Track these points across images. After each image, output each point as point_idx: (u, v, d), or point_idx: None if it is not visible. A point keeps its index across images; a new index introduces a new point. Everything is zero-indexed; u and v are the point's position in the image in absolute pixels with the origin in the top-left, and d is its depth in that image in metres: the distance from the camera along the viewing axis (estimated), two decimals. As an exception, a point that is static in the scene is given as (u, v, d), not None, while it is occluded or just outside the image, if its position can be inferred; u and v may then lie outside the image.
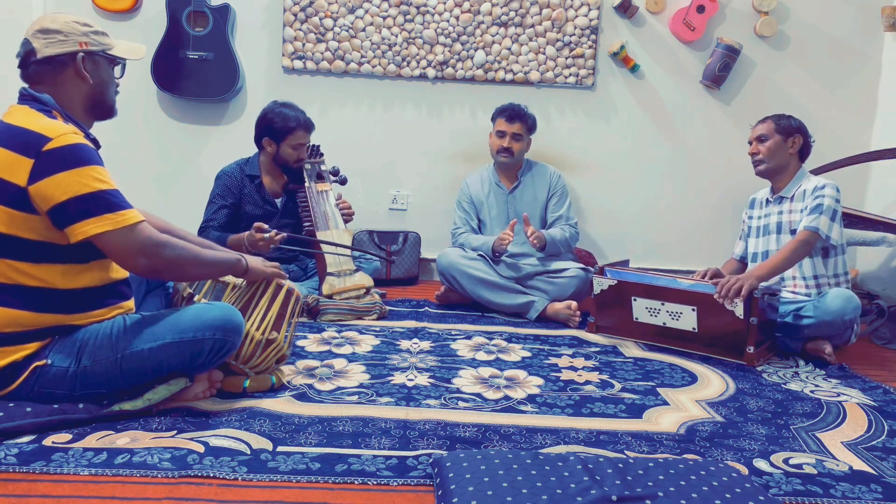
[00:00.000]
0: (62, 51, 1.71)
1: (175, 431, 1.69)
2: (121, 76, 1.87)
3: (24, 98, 1.72)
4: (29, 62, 1.72)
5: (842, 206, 2.70)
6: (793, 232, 2.70)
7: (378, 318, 2.89)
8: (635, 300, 2.68)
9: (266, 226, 2.69)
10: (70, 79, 1.74)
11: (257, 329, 1.95)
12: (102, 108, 1.83)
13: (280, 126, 2.94)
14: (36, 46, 1.70)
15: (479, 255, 3.15)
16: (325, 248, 2.91)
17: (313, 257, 3.08)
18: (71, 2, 3.58)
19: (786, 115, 2.82)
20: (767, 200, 2.87)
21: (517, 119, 3.21)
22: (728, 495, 1.43)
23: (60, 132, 1.62)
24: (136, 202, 1.76)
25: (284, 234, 2.71)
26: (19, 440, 1.59)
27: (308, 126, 3.00)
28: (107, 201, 1.64)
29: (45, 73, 1.73)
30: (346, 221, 3.06)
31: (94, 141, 1.77)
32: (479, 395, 2.07)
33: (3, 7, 3.54)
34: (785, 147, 2.75)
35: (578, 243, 3.51)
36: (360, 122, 3.76)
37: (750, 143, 2.83)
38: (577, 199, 3.79)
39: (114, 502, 1.38)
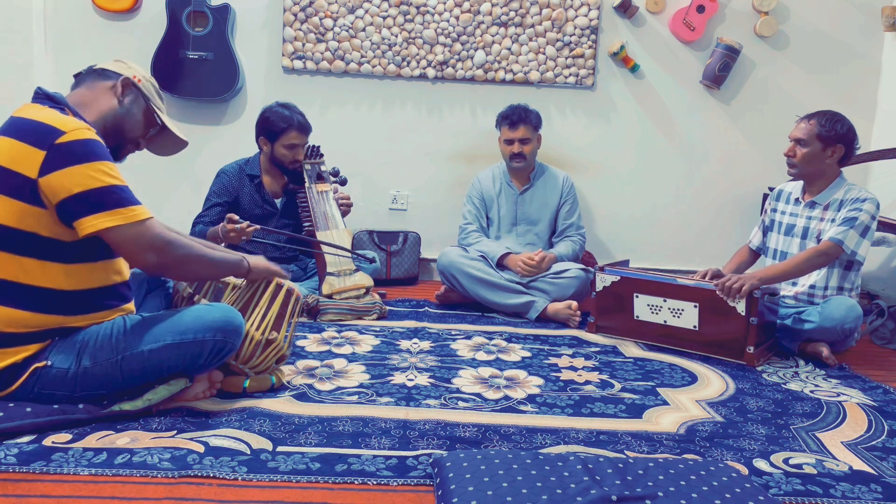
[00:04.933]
0: (116, 70, 1.85)
1: (175, 431, 1.69)
2: (145, 135, 1.92)
3: (38, 97, 1.76)
4: (87, 70, 1.85)
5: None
6: (819, 240, 2.60)
7: (378, 318, 2.89)
8: (637, 297, 2.68)
9: (237, 216, 2.65)
10: (105, 91, 1.83)
11: (257, 329, 1.95)
12: (114, 136, 1.83)
13: (274, 125, 2.93)
14: (104, 61, 1.88)
15: (480, 255, 3.15)
16: (323, 247, 2.91)
17: (313, 257, 3.08)
18: (71, 2, 3.58)
19: (835, 116, 2.59)
20: (797, 200, 2.74)
21: (520, 123, 3.20)
22: (728, 495, 1.43)
23: (74, 126, 1.64)
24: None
25: (257, 227, 2.67)
26: (19, 440, 1.59)
27: (303, 128, 2.97)
28: (117, 196, 1.65)
29: (91, 77, 1.84)
30: (343, 213, 3.05)
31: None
32: (479, 395, 2.07)
33: (2, 7, 3.54)
34: (822, 156, 2.59)
35: (578, 243, 3.51)
36: (360, 122, 3.76)
37: (790, 139, 2.65)
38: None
39: (114, 502, 1.38)
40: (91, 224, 1.63)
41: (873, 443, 1.84)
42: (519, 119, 3.20)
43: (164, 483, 1.45)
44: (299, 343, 2.49)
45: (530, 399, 2.05)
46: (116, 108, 1.82)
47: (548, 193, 3.32)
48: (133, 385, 1.76)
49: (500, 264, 3.12)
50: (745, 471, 1.63)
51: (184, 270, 1.84)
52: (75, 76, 1.88)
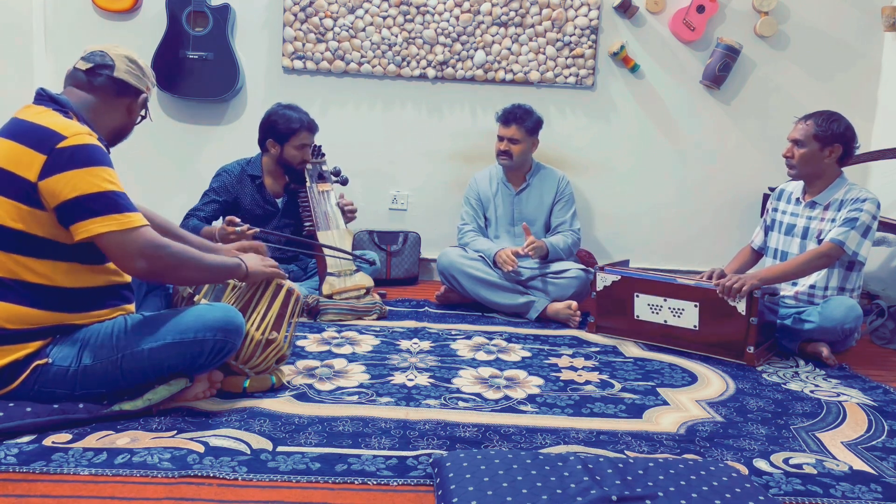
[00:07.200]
0: (134, 83, 1.87)
1: (175, 431, 1.69)
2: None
3: (42, 98, 1.75)
4: (100, 72, 1.81)
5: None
6: (819, 241, 2.59)
7: (378, 318, 2.89)
8: (637, 297, 2.68)
9: (238, 219, 2.66)
10: (120, 106, 1.86)
11: (257, 329, 1.95)
12: (117, 139, 1.92)
13: (283, 128, 2.94)
14: (118, 65, 1.84)
15: (480, 255, 3.15)
16: (325, 249, 2.91)
17: (313, 257, 3.08)
18: (71, 2, 3.58)
19: (832, 116, 2.60)
20: (798, 199, 2.74)
21: (512, 122, 3.19)
22: (728, 495, 1.43)
23: (75, 131, 1.66)
24: (135, 202, 1.76)
25: (256, 229, 2.67)
26: (19, 440, 1.60)
27: (312, 127, 3.00)
28: (114, 202, 1.66)
29: (107, 88, 1.83)
30: (348, 220, 3.06)
31: (106, 146, 1.80)
32: (479, 395, 2.07)
33: (2, 7, 3.53)
34: (820, 156, 2.59)
35: (578, 243, 3.51)
36: (360, 122, 3.76)
37: (788, 140, 2.65)
38: (576, 199, 3.79)
39: (114, 502, 1.39)
40: (85, 229, 1.63)
41: (873, 443, 1.84)
42: (512, 119, 3.19)
43: (164, 483, 1.45)
44: (299, 343, 2.49)
45: (530, 399, 2.05)
46: (129, 122, 1.91)
47: (544, 193, 3.31)
48: (133, 384, 1.76)
49: (495, 262, 3.12)
50: (745, 471, 1.63)
51: (177, 276, 1.84)
52: (82, 70, 1.82)
